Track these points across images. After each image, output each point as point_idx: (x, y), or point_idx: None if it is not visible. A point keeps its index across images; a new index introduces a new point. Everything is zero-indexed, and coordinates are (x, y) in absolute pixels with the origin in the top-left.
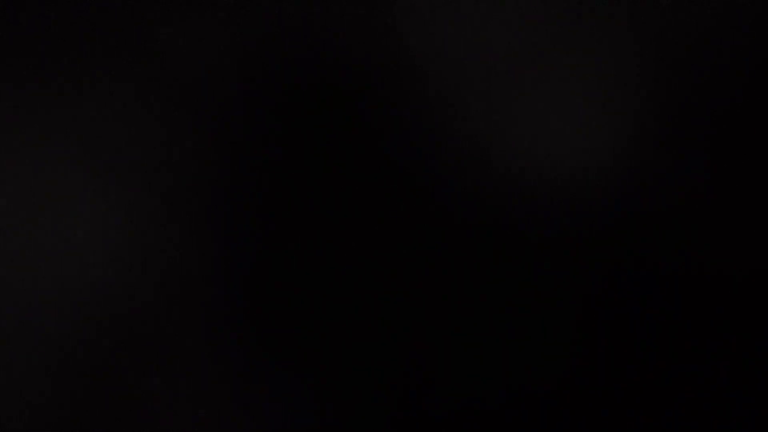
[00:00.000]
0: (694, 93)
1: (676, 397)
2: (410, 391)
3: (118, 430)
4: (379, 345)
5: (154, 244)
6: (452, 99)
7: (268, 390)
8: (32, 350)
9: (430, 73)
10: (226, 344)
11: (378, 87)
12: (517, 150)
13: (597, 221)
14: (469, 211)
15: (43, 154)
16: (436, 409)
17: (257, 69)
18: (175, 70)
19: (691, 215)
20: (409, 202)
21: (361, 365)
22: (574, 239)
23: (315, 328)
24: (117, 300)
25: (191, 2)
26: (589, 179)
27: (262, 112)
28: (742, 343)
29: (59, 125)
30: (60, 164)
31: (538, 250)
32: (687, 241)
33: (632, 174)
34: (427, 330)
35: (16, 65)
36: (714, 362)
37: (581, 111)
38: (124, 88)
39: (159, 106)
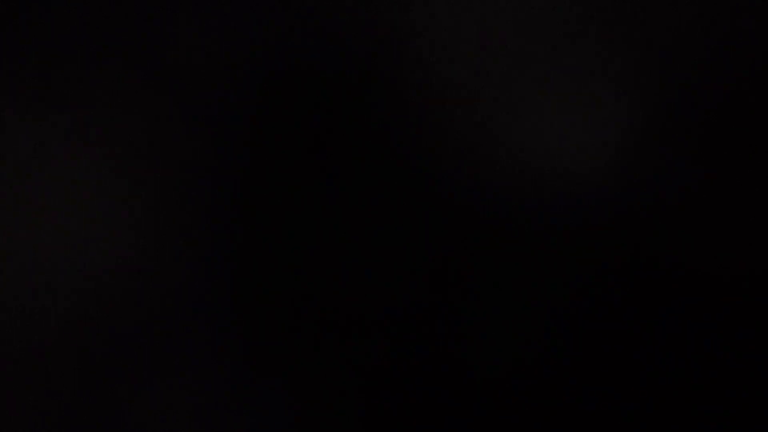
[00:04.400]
0: (691, 91)
1: (673, 393)
2: (409, 391)
3: (116, 430)
4: (381, 345)
5: (154, 244)
6: (452, 98)
7: (267, 392)
8: (31, 350)
9: (430, 72)
10: (227, 346)
11: (380, 85)
12: (514, 147)
13: (595, 216)
14: (467, 208)
15: (43, 153)
16: (435, 407)
17: (262, 68)
18: (178, 68)
19: (688, 212)
20: (409, 202)
21: (360, 366)
22: (573, 234)
23: (318, 329)
24: (116, 300)
25: (194, 1)
26: (588, 175)
27: (266, 110)
28: (737, 335)
29: (62, 124)
30: (60, 163)
31: (537, 245)
32: (683, 237)
33: (630, 170)
34: (426, 327)
35: (20, 63)
36: (709, 355)
37: (580, 108)
38: (128, 87)
39: (162, 104)
